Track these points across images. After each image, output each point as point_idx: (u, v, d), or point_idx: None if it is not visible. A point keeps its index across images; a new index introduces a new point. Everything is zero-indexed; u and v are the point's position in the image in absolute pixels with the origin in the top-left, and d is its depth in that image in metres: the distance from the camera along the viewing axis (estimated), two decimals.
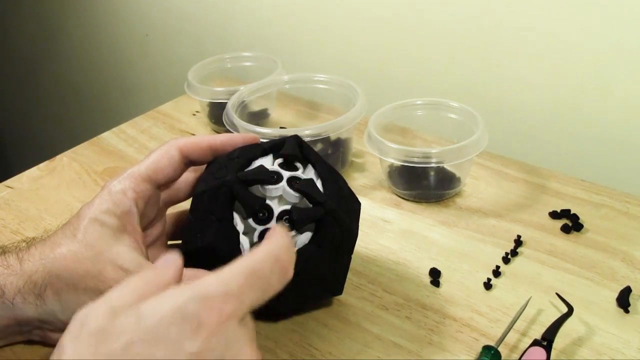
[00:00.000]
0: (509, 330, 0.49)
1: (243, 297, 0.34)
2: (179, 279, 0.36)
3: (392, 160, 0.63)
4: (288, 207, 0.45)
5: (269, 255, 0.35)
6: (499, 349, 0.47)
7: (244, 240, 0.45)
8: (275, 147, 0.48)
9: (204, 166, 0.50)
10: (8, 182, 0.72)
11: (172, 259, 0.37)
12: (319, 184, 0.47)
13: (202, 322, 0.32)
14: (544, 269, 0.56)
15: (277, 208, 0.45)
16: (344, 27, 0.94)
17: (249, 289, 0.34)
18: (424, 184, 0.66)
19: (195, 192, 0.47)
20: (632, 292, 0.53)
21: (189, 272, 0.44)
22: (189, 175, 0.51)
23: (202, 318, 0.32)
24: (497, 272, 0.56)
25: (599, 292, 0.53)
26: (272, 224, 0.45)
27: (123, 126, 0.83)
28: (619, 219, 0.62)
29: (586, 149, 0.79)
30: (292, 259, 0.37)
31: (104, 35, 1.34)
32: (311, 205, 0.45)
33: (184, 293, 0.33)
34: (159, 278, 0.35)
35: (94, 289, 0.44)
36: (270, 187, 0.45)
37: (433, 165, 0.63)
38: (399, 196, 0.67)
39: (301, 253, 0.45)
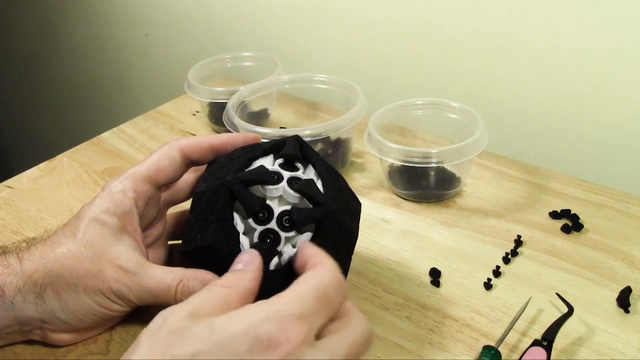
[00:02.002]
0: (509, 330, 0.49)
1: (315, 319, 0.34)
2: (257, 282, 0.39)
3: (392, 160, 0.63)
4: (288, 207, 0.45)
5: (334, 276, 0.37)
6: (499, 349, 0.47)
7: (244, 241, 0.45)
8: (275, 147, 0.48)
9: (205, 166, 0.50)
10: (8, 182, 0.72)
11: (250, 260, 0.40)
12: (319, 184, 0.47)
13: (275, 344, 0.32)
14: (544, 269, 0.56)
15: (277, 208, 0.45)
16: (344, 28, 0.94)
17: (319, 311, 0.35)
18: (424, 184, 0.66)
19: (195, 192, 0.47)
20: (632, 292, 0.53)
21: (189, 272, 0.44)
22: (190, 176, 0.51)
23: (275, 339, 0.32)
24: (497, 272, 0.56)
25: (599, 292, 0.54)
26: (272, 224, 0.45)
27: (123, 126, 0.83)
28: (619, 219, 0.62)
29: (586, 149, 0.79)
30: (345, 283, 0.38)
31: (104, 35, 1.34)
32: (311, 206, 0.45)
33: (260, 311, 0.33)
34: (240, 285, 0.38)
35: (94, 289, 0.44)
36: (270, 187, 0.45)
37: (433, 165, 0.63)
38: (399, 196, 0.67)
39: None
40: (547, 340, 0.47)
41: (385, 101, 0.70)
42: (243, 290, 0.38)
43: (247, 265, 0.40)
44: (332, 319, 0.36)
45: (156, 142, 0.79)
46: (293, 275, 0.44)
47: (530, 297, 0.52)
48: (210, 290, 0.37)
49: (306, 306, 0.34)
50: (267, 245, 0.44)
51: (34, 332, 0.46)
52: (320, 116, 0.84)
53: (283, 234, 0.45)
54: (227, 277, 0.39)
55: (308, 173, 0.48)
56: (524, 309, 0.50)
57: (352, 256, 0.50)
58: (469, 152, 0.62)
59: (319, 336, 0.35)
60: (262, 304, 0.34)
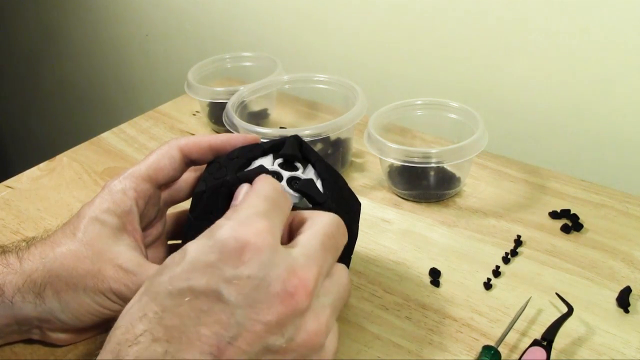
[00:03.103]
0: (509, 330, 0.49)
1: (271, 215, 0.35)
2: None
3: (392, 160, 0.63)
4: None
5: (268, 183, 0.39)
6: (499, 349, 0.47)
7: None
8: (275, 147, 0.48)
9: (204, 166, 0.50)
10: (8, 182, 0.72)
11: (244, 193, 0.40)
12: (319, 184, 0.47)
13: (243, 244, 0.33)
14: (544, 269, 0.56)
15: None
16: (344, 27, 0.94)
17: (272, 209, 0.36)
18: (424, 184, 0.66)
19: (195, 192, 0.47)
20: (632, 292, 0.53)
21: None
22: (189, 175, 0.51)
23: (242, 240, 0.33)
24: (497, 272, 0.56)
25: (599, 292, 0.53)
26: None
27: (123, 126, 0.83)
28: (619, 219, 0.62)
29: (586, 149, 0.79)
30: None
31: (104, 35, 1.34)
32: (311, 206, 0.45)
33: (222, 225, 0.35)
34: None
35: (94, 288, 0.44)
36: None
37: (433, 165, 0.63)
38: (399, 196, 0.67)
39: None
40: (546, 340, 0.47)
41: (385, 101, 0.70)
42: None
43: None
44: (298, 226, 0.38)
45: (156, 142, 0.79)
46: None
47: (530, 297, 0.52)
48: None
49: (258, 207, 0.35)
50: None
51: (33, 332, 0.46)
52: (320, 116, 0.84)
53: None
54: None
55: (308, 173, 0.48)
56: (523, 309, 0.50)
57: (352, 256, 0.50)
58: (469, 152, 0.62)
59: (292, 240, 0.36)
60: (224, 220, 0.35)
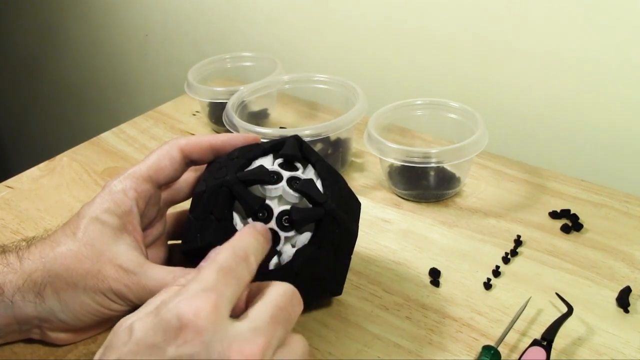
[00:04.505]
0: (509, 330, 0.49)
1: (221, 289, 0.34)
2: None
3: (392, 160, 0.63)
4: (288, 207, 0.45)
5: (229, 251, 0.38)
6: (499, 349, 0.47)
7: None
8: (275, 147, 0.48)
9: (204, 166, 0.50)
10: (8, 182, 0.72)
11: (212, 258, 0.38)
12: (319, 184, 0.47)
13: (184, 322, 0.32)
14: (544, 269, 0.56)
15: (277, 208, 0.45)
16: (344, 28, 0.94)
17: (223, 282, 0.35)
18: (424, 184, 0.66)
19: (195, 192, 0.47)
20: (632, 292, 0.53)
21: (189, 271, 0.44)
22: (190, 175, 0.51)
23: (183, 318, 0.33)
24: (497, 272, 0.56)
25: (599, 292, 0.53)
26: (272, 223, 0.45)
27: (123, 126, 0.83)
28: (619, 219, 0.62)
29: (586, 149, 0.79)
30: (254, 249, 0.39)
31: (104, 35, 1.34)
32: (311, 206, 0.45)
33: (168, 301, 0.34)
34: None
35: (94, 288, 0.44)
36: (270, 187, 0.45)
37: (433, 165, 0.63)
38: (399, 196, 0.67)
39: (300, 253, 0.45)
40: (546, 340, 0.47)
41: (385, 101, 0.70)
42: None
43: (210, 261, 0.40)
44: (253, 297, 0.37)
45: (156, 142, 0.79)
46: (292, 275, 0.44)
47: (530, 297, 0.52)
48: (163, 292, 0.38)
49: (207, 281, 0.35)
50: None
51: (33, 331, 0.46)
52: (320, 116, 0.84)
53: (282, 234, 0.45)
54: (187, 275, 0.40)
55: (307, 173, 0.48)
56: (523, 309, 0.50)
57: (352, 256, 0.50)
58: (469, 152, 0.62)
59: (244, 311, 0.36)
60: (171, 295, 0.35)
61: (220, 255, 0.37)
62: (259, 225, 0.43)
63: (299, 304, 0.38)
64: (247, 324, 0.34)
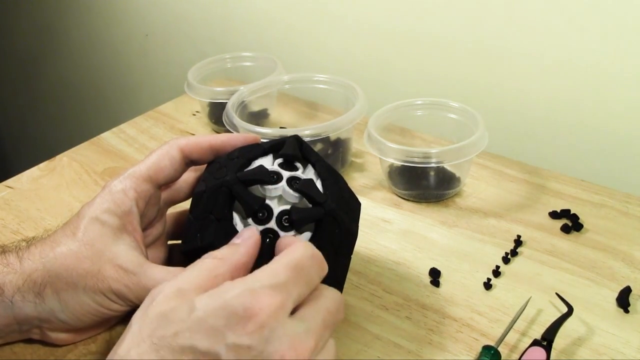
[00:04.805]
0: (509, 330, 0.49)
1: (290, 288, 0.36)
2: (251, 257, 0.40)
3: (392, 160, 0.63)
4: (288, 207, 0.45)
5: (306, 251, 0.38)
6: (499, 349, 0.47)
7: None
8: (275, 147, 0.48)
9: (204, 166, 0.50)
10: (8, 182, 0.72)
11: (248, 236, 0.41)
12: (318, 184, 0.47)
13: (249, 314, 0.34)
14: (544, 269, 0.56)
15: (277, 208, 0.45)
16: (344, 28, 0.94)
17: (294, 281, 0.36)
18: (424, 184, 0.66)
19: (195, 192, 0.47)
20: (632, 292, 0.53)
21: None
22: (190, 175, 0.51)
23: (250, 310, 0.34)
24: (497, 272, 0.56)
25: (599, 292, 0.53)
26: (272, 223, 0.45)
27: (123, 126, 0.83)
28: (619, 219, 0.62)
29: (586, 149, 0.79)
30: (322, 257, 0.40)
31: (104, 35, 1.34)
32: (311, 206, 0.45)
33: (235, 287, 0.35)
34: (232, 258, 0.39)
35: (94, 288, 0.44)
36: (269, 187, 0.45)
37: (433, 165, 0.63)
38: (399, 196, 0.67)
39: None
40: (546, 340, 0.47)
41: (385, 101, 0.70)
42: (234, 263, 0.39)
43: (245, 240, 0.42)
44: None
45: (156, 142, 0.79)
46: None
47: (530, 297, 0.52)
48: (201, 264, 0.39)
49: (279, 277, 0.36)
50: (267, 245, 0.44)
51: (33, 332, 0.46)
52: (320, 116, 0.84)
53: (282, 234, 0.45)
54: (222, 250, 0.41)
55: (307, 173, 0.48)
56: (523, 309, 0.50)
57: (352, 256, 0.50)
58: (469, 152, 0.62)
59: (298, 309, 0.37)
60: (238, 280, 0.36)
61: (296, 252, 0.38)
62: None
63: (342, 312, 0.40)
64: (303, 324, 0.36)
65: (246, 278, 0.36)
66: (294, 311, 0.37)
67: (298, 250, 0.38)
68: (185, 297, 0.36)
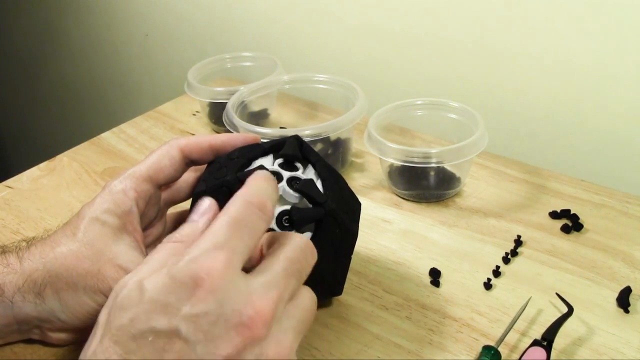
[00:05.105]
0: (509, 330, 0.49)
1: (232, 244, 0.34)
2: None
3: (392, 160, 0.63)
4: (288, 207, 0.45)
5: (241, 200, 0.37)
6: (499, 349, 0.47)
7: None
8: (275, 147, 0.48)
9: (204, 166, 0.50)
10: (8, 182, 0.72)
11: (204, 210, 0.40)
12: (319, 184, 0.47)
13: (198, 281, 0.33)
14: (544, 269, 0.56)
15: (277, 208, 0.45)
16: (344, 28, 0.94)
17: (236, 235, 0.35)
18: (424, 184, 0.66)
19: (195, 192, 0.47)
20: (632, 292, 0.53)
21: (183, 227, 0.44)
22: (190, 175, 0.51)
23: (197, 277, 0.33)
24: (497, 272, 0.56)
25: (599, 292, 0.53)
26: (272, 223, 0.45)
27: (123, 126, 0.83)
28: (619, 219, 0.62)
29: (586, 149, 0.79)
30: (268, 194, 0.38)
31: (104, 35, 1.34)
32: (311, 206, 0.45)
33: (178, 259, 0.34)
34: (193, 238, 0.37)
35: (94, 288, 0.44)
36: None
37: (433, 165, 0.63)
38: (399, 196, 0.67)
39: None
40: (546, 340, 0.47)
41: (385, 101, 0.70)
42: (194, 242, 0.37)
43: (202, 215, 0.41)
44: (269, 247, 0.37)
45: (156, 142, 0.79)
46: None
47: (530, 297, 0.52)
48: (161, 249, 0.38)
49: (218, 237, 0.34)
50: None
51: (33, 332, 0.46)
52: (320, 116, 0.84)
53: None
54: (181, 230, 0.39)
55: (308, 173, 0.48)
56: (523, 309, 0.50)
57: (352, 256, 0.50)
58: (469, 152, 0.62)
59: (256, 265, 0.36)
60: (182, 252, 0.35)
61: (231, 207, 0.36)
62: (264, 171, 0.40)
63: (312, 255, 0.38)
64: (260, 278, 0.34)
65: (189, 248, 0.35)
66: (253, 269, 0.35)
67: (234, 201, 0.37)
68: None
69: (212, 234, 0.35)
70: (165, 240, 0.39)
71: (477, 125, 0.64)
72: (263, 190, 0.38)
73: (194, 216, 0.41)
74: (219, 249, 0.34)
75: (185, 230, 0.39)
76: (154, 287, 0.33)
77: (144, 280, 0.34)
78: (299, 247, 0.37)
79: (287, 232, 0.38)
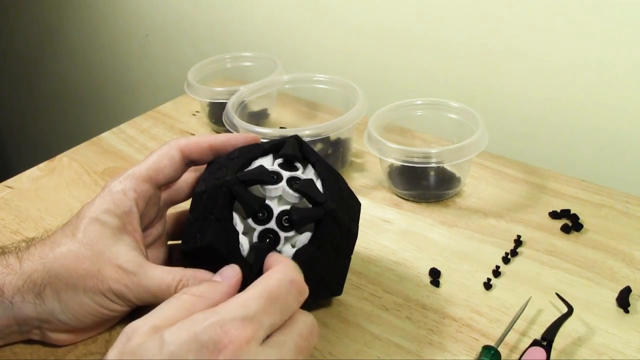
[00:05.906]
0: (509, 330, 0.49)
1: (261, 319, 0.35)
2: (229, 296, 0.38)
3: (392, 160, 0.63)
4: (288, 207, 0.45)
5: (284, 276, 0.38)
6: (499, 349, 0.47)
7: (243, 240, 0.45)
8: (275, 147, 0.48)
9: (204, 166, 0.50)
10: (8, 182, 0.72)
11: (230, 275, 0.41)
12: (318, 184, 0.47)
13: (220, 347, 0.34)
14: (544, 269, 0.56)
15: (277, 208, 0.45)
16: (344, 28, 0.94)
17: (267, 311, 0.36)
18: (424, 184, 0.66)
19: (195, 192, 0.47)
20: (632, 292, 0.53)
21: (189, 272, 0.44)
22: (190, 175, 0.51)
23: (220, 343, 0.34)
24: (497, 272, 0.56)
25: (599, 292, 0.53)
26: (272, 224, 0.45)
27: (123, 126, 0.83)
28: (619, 219, 0.62)
29: (586, 149, 0.79)
30: (303, 279, 0.39)
31: (104, 35, 1.34)
32: (311, 206, 0.45)
33: (205, 319, 0.35)
34: (210, 296, 0.38)
35: (94, 289, 0.44)
36: (269, 187, 0.45)
37: (433, 165, 0.63)
38: (399, 196, 0.67)
39: (300, 253, 0.45)
40: (546, 340, 0.47)
41: (385, 101, 0.70)
42: (212, 301, 0.38)
43: (226, 279, 0.41)
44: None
45: (156, 142, 0.79)
46: None
47: (530, 297, 0.52)
48: (176, 300, 0.38)
49: (250, 309, 0.36)
50: (267, 245, 0.44)
51: (33, 332, 0.46)
52: (320, 116, 0.84)
53: (282, 234, 0.45)
54: (201, 287, 0.40)
55: (307, 173, 0.48)
56: (523, 309, 0.50)
57: (352, 256, 0.50)
58: (469, 152, 0.62)
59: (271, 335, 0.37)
60: (209, 311, 0.36)
61: (272, 279, 0.38)
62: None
63: (316, 336, 0.39)
64: (275, 351, 0.35)
65: (217, 309, 0.36)
66: (268, 337, 0.36)
67: (275, 276, 0.38)
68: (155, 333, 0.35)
69: (245, 302, 0.36)
70: (182, 290, 0.39)
71: (477, 125, 0.64)
72: (300, 272, 0.39)
73: (217, 277, 0.42)
74: (248, 320, 0.35)
75: (204, 287, 0.40)
76: (175, 341, 0.34)
77: (164, 331, 0.35)
78: (311, 326, 0.38)
79: (301, 311, 0.39)
